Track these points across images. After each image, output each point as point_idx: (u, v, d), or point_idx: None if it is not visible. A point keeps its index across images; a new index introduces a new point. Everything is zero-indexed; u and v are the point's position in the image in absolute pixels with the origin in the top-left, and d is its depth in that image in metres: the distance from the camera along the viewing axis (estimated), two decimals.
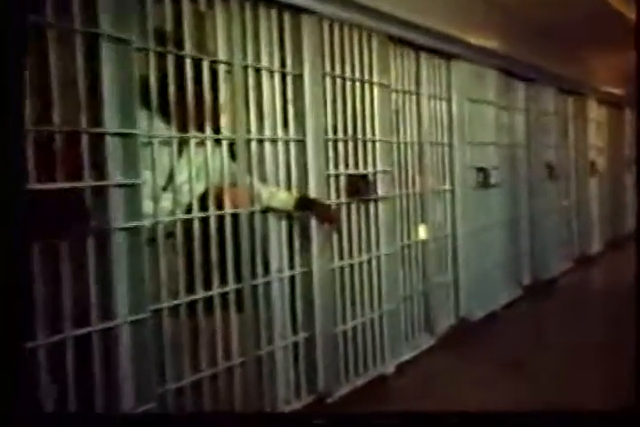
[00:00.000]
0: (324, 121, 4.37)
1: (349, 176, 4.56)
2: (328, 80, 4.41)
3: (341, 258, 4.53)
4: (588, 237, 10.46)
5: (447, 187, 6.15)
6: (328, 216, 4.05)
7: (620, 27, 11.46)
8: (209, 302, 3.60)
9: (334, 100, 4.48)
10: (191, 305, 3.48)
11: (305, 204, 3.95)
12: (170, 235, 3.42)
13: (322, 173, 4.27)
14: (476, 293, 6.52)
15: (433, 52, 5.88)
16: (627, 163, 12.75)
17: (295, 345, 4.19)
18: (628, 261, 11.37)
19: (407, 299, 5.48)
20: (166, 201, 3.49)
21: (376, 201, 4.89)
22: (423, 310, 5.72)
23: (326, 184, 4.34)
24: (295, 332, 4.20)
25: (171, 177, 3.55)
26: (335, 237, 4.46)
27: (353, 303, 4.65)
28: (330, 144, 4.42)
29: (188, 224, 3.51)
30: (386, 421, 2.32)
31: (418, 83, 5.70)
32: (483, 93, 6.76)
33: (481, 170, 6.64)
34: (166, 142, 3.44)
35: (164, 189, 3.53)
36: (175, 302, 3.36)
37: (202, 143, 3.60)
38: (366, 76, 4.82)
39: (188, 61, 3.43)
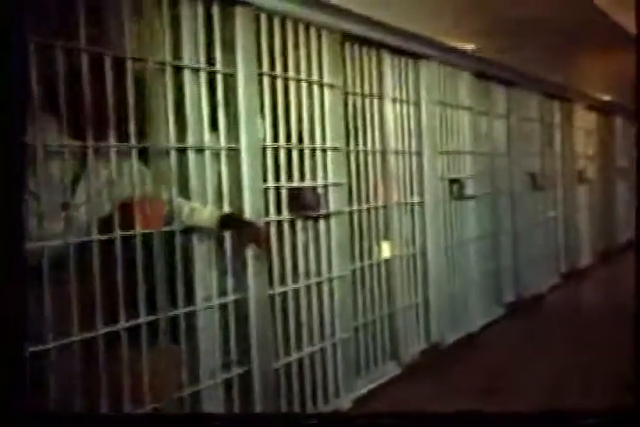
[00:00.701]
0: (263, 127, 3.85)
1: (292, 189, 4.03)
2: (266, 80, 3.88)
3: (283, 282, 3.99)
4: (577, 249, 9.93)
5: (416, 199, 5.63)
6: (254, 236, 3.50)
7: (609, 31, 11.00)
8: (113, 337, 3.07)
9: (275, 104, 3.95)
10: (88, 343, 2.94)
11: (228, 222, 3.41)
12: (60, 262, 2.88)
13: (258, 186, 3.74)
14: (450, 314, 5.99)
15: (399, 52, 5.37)
16: (618, 171, 12.24)
17: (228, 383, 3.65)
18: (620, 274, 10.90)
19: (368, 325, 4.94)
20: (59, 221, 2.95)
21: (327, 217, 4.36)
22: (388, 335, 5.19)
23: (264, 198, 3.81)
24: (228, 368, 3.65)
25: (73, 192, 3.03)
26: (276, 258, 3.92)
27: (298, 332, 4.11)
28: (269, 153, 3.89)
29: (86, 248, 2.98)
30: (385, 421, 2.21)
31: (381, 85, 5.19)
32: (457, 98, 6.25)
33: (455, 181, 6.12)
34: (59, 153, 2.91)
35: (64, 206, 3.00)
36: (64, 341, 2.82)
37: (107, 154, 3.07)
38: (315, 77, 4.30)
39: (85, 57, 2.90)
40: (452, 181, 6.08)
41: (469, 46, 6.16)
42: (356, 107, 4.90)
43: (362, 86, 4.95)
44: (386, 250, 5.18)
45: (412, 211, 5.60)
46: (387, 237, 5.20)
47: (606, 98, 11.38)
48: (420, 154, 5.64)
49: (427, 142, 5.66)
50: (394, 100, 5.35)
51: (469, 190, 6.33)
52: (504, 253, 7.38)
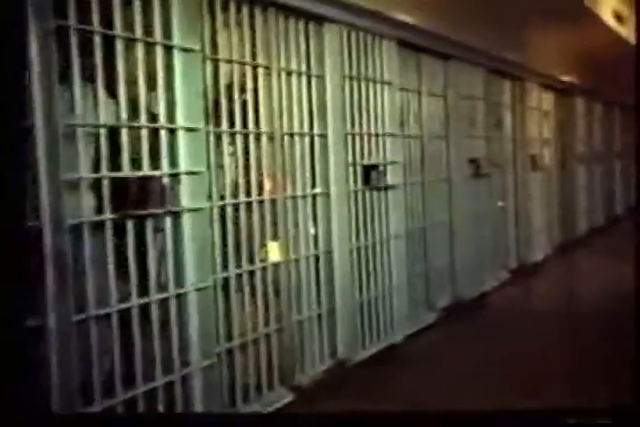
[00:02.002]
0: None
1: (120, 182, 3.10)
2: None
3: (102, 304, 3.06)
4: (530, 242, 9.09)
5: (318, 190, 4.72)
6: None
7: (569, 5, 10.13)
8: None
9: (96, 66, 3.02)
10: None
11: None
12: None
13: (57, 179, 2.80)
14: (365, 325, 5.12)
15: (295, 12, 4.45)
16: (578, 157, 11.42)
17: None
18: (577, 268, 10.10)
19: (248, 344, 4.04)
20: None
21: (176, 214, 3.44)
22: (278, 355, 4.30)
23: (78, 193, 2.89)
24: None
25: None
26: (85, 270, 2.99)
27: (129, 363, 3.20)
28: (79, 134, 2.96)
29: None
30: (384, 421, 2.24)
31: (268, 54, 4.26)
32: (375, 71, 5.33)
33: (371, 168, 5.23)
34: None
35: None
36: None
37: None
38: (158, 37, 3.36)
39: None
40: (368, 169, 5.18)
41: (388, 9, 5.25)
42: (233, 78, 3.98)
43: (240, 53, 4.02)
44: (274, 252, 4.27)
45: (314, 205, 4.70)
46: (276, 237, 4.30)
47: (566, 78, 10.53)
48: (324, 136, 4.73)
49: (332, 123, 4.74)
50: (288, 73, 4.43)
51: (390, 179, 5.44)
52: (438, 249, 6.50)
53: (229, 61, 3.94)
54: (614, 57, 11.67)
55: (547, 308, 6.86)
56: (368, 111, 5.22)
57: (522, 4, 7.68)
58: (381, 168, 5.32)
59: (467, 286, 6.93)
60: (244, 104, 4.06)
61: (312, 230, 4.72)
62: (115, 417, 2.92)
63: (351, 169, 4.99)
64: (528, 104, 9.05)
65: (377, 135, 5.33)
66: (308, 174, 4.61)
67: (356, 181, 5.04)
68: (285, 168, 4.39)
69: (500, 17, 7.39)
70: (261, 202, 4.19)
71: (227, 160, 3.89)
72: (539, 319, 6.37)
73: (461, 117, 7.00)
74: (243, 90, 4.08)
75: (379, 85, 5.35)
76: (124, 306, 3.12)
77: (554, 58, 9.61)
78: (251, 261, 4.08)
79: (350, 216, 4.95)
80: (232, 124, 3.95)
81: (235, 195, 3.97)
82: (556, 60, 9.74)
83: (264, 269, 4.19)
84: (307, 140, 4.60)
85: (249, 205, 4.08)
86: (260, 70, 4.21)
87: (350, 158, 4.98)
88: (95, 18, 3.00)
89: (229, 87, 3.96)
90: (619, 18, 9.06)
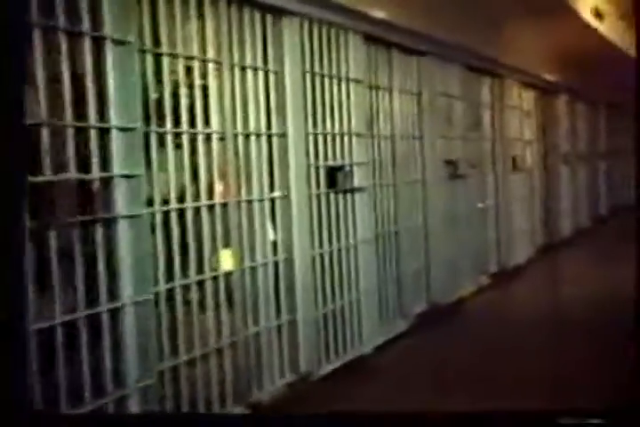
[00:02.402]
0: None
1: (42, 185, 2.81)
2: None
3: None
4: (512, 245, 8.84)
5: (277, 194, 4.44)
6: None
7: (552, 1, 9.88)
8: None
9: None
10: None
11: None
12: None
13: None
14: (328, 337, 4.83)
15: (246, 1, 4.16)
16: (562, 157, 11.18)
17: None
18: (560, 271, 9.84)
19: (196, 361, 3.74)
20: None
21: (109, 221, 3.14)
22: (231, 369, 4.00)
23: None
24: None
25: None
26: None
27: (54, 385, 2.90)
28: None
29: None
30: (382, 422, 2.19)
31: (219, 48, 3.97)
32: (337, 67, 5.04)
33: (337, 169, 4.94)
34: None
35: None
36: None
37: None
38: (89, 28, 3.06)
39: None
40: (334, 170, 4.90)
41: (365, 7, 4.97)
42: (178, 74, 3.68)
43: (187, 47, 3.73)
44: (226, 261, 3.98)
45: (273, 209, 4.41)
46: (229, 245, 4.01)
47: (548, 76, 10.28)
48: (283, 136, 4.44)
49: (292, 122, 4.46)
50: (242, 68, 4.14)
51: (358, 181, 5.16)
52: (412, 254, 6.23)
53: (173, 55, 3.65)
54: (596, 55, 11.46)
55: (525, 314, 6.59)
56: (332, 110, 4.94)
57: (500, 0, 7.42)
58: (348, 170, 5.04)
59: (443, 291, 6.66)
60: (191, 102, 3.77)
61: (271, 236, 4.43)
62: (103, 417, 2.90)
63: (314, 171, 4.70)
64: (508, 103, 8.79)
65: (342, 135, 5.04)
66: (265, 177, 4.32)
67: (319, 184, 4.75)
68: (240, 170, 4.11)
69: (478, 12, 7.12)
70: (212, 207, 3.90)
71: (171, 162, 3.60)
72: (516, 327, 6.09)
73: (437, 116, 6.73)
74: (191, 87, 3.79)
75: (344, 82, 5.07)
76: (44, 325, 2.82)
77: (534, 55, 9.35)
78: (200, 270, 3.79)
79: (313, 221, 4.67)
80: (177, 123, 3.65)
81: (181, 199, 3.67)
82: (536, 58, 9.49)
83: (215, 278, 3.89)
84: (264, 140, 4.31)
85: (197, 210, 3.78)
86: (211, 65, 3.91)
87: (313, 160, 4.69)
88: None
89: (175, 84, 3.67)
90: (598, 15, 8.80)
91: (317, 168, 4.75)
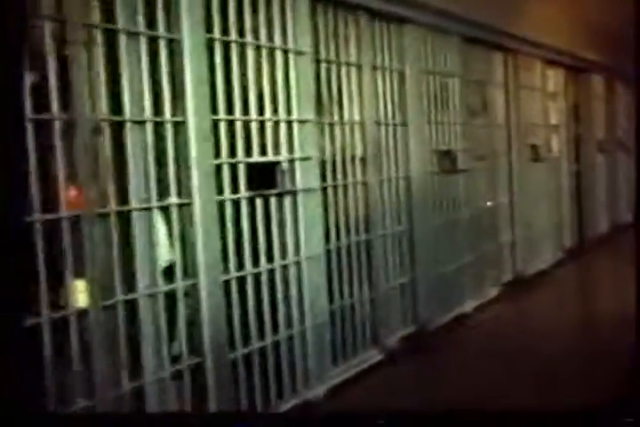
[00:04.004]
0: None
1: None
2: None
3: None
4: (532, 249, 7.62)
5: (175, 200, 3.35)
6: None
7: None
8: None
9: None
10: None
11: None
12: None
13: None
14: (251, 383, 3.73)
15: None
16: (598, 145, 9.86)
17: None
18: (591, 280, 8.55)
19: None
20: None
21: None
22: None
23: None
24: None
25: None
26: None
27: None
28: None
29: None
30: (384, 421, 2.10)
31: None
32: (270, 34, 3.92)
33: (270, 167, 3.83)
34: None
35: None
36: None
37: None
38: None
39: None
40: (264, 168, 3.79)
41: None
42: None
43: None
44: (80, 295, 2.91)
45: (169, 220, 3.33)
46: (84, 273, 2.94)
47: (583, 53, 8.98)
48: (180, 124, 3.34)
49: (193, 106, 3.35)
50: (131, 34, 3.06)
51: (302, 181, 4.04)
52: (392, 268, 5.10)
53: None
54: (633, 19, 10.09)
55: (538, 341, 5.38)
56: (260, 90, 3.82)
57: None
58: (285, 167, 3.92)
59: (436, 309, 5.52)
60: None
61: (165, 258, 3.36)
62: (103, 417, 2.77)
63: (230, 169, 3.60)
64: (527, 83, 7.55)
65: (277, 122, 3.93)
66: (152, 179, 3.23)
67: (236, 187, 3.65)
68: (107, 169, 3.03)
69: None
70: (57, 220, 2.83)
71: None
72: (526, 360, 4.90)
73: (428, 99, 5.57)
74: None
75: (280, 54, 3.94)
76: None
77: (560, 26, 8.08)
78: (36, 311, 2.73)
79: (227, 234, 3.57)
80: None
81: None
82: (564, 30, 8.21)
83: (61, 319, 2.83)
84: (149, 129, 3.21)
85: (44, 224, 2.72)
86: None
87: (226, 155, 3.59)
88: None
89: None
90: None
91: (236, 166, 3.64)
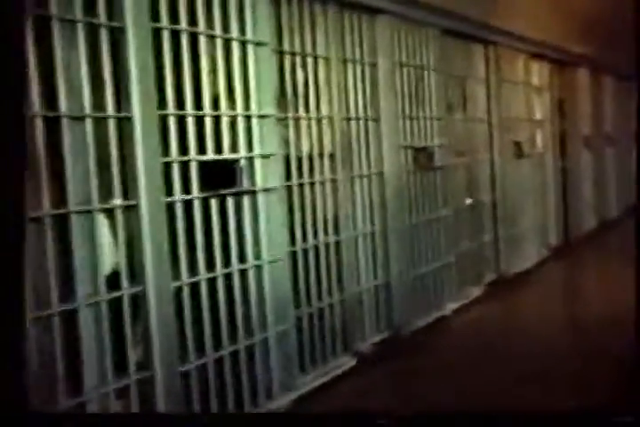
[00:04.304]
0: None
1: None
2: None
3: None
4: (515, 247, 7.40)
5: (119, 202, 3.10)
6: None
7: None
8: None
9: None
10: None
11: None
12: None
13: None
14: (207, 395, 3.50)
15: None
16: (584, 140, 9.65)
17: None
18: (576, 279, 8.31)
19: None
20: None
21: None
22: None
23: None
24: None
25: None
26: None
27: None
28: None
29: None
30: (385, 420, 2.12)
31: None
32: (224, 24, 3.68)
33: (225, 165, 3.59)
34: None
35: None
36: None
37: None
38: None
39: None
40: (218, 167, 3.55)
41: None
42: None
43: None
44: None
45: (113, 223, 3.08)
46: None
47: (569, 47, 8.76)
48: (125, 120, 3.10)
49: (138, 100, 3.10)
50: (64, 21, 2.81)
51: (262, 179, 3.80)
52: (365, 269, 4.87)
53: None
54: (631, 20, 9.88)
55: (520, 343, 5.14)
56: (215, 83, 3.58)
57: None
58: (244, 165, 3.68)
59: (412, 312, 5.29)
60: None
61: (109, 264, 3.12)
62: (102, 417, 2.81)
63: (180, 169, 3.36)
64: (510, 77, 7.32)
65: (235, 117, 3.68)
66: (94, 179, 2.99)
67: (188, 186, 3.41)
68: (40, 168, 2.79)
69: None
70: None
71: None
72: (506, 364, 4.68)
73: (403, 93, 5.34)
74: None
75: (237, 45, 3.69)
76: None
77: (545, 19, 7.86)
78: None
79: (178, 237, 3.33)
80: None
81: None
82: (548, 22, 7.99)
83: None
84: (89, 125, 2.97)
85: None
86: None
87: (176, 153, 3.35)
88: None
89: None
90: None
91: (187, 164, 3.40)
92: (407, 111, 5.37)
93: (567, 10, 8.47)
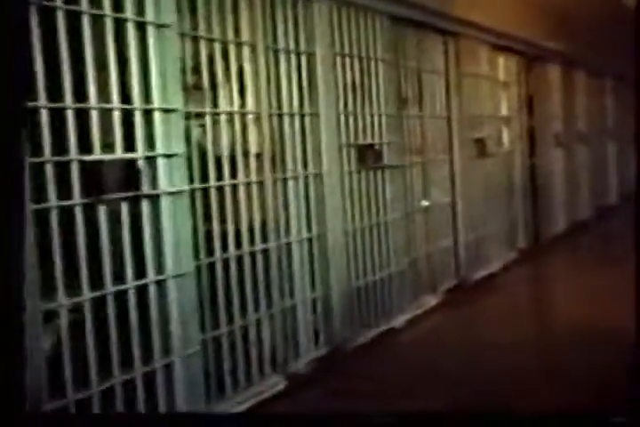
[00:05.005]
0: None
1: None
2: None
3: None
4: (479, 251, 6.96)
5: None
6: None
7: None
8: None
9: None
10: None
11: None
12: None
13: None
14: None
15: None
16: (554, 138, 9.23)
17: None
18: (544, 284, 7.86)
19: None
20: None
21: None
22: None
23: None
24: None
25: None
26: None
27: None
28: None
29: None
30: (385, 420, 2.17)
31: None
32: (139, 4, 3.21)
33: (123, 164, 3.12)
34: None
35: None
36: None
37: None
38: None
39: None
40: (106, 167, 3.07)
41: None
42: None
43: None
44: None
45: None
46: None
47: (539, 41, 8.33)
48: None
49: None
50: None
51: (167, 181, 3.33)
52: (301, 279, 4.41)
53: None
54: (605, 17, 9.48)
55: (476, 357, 4.69)
56: (105, 71, 3.10)
57: None
58: (142, 166, 3.21)
59: (356, 326, 4.84)
60: None
61: None
62: (100, 417, 2.84)
63: (57, 171, 2.89)
64: (472, 71, 6.88)
65: (131, 112, 3.20)
66: None
67: (69, 191, 2.92)
68: None
69: None
70: None
71: None
72: (458, 382, 4.23)
73: (347, 85, 4.88)
74: None
75: (132, 27, 3.21)
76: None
77: (512, 10, 7.43)
78: None
79: (53, 250, 2.85)
80: None
81: None
82: (516, 14, 7.56)
83: None
84: None
85: None
86: None
87: (52, 152, 2.87)
88: None
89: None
90: None
91: (68, 165, 2.92)
92: (351, 106, 4.91)
93: (536, 2, 8.05)
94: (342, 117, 4.79)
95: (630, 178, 13.19)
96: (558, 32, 8.90)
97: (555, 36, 8.80)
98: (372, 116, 5.12)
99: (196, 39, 3.65)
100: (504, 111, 7.84)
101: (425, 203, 6.05)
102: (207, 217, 3.71)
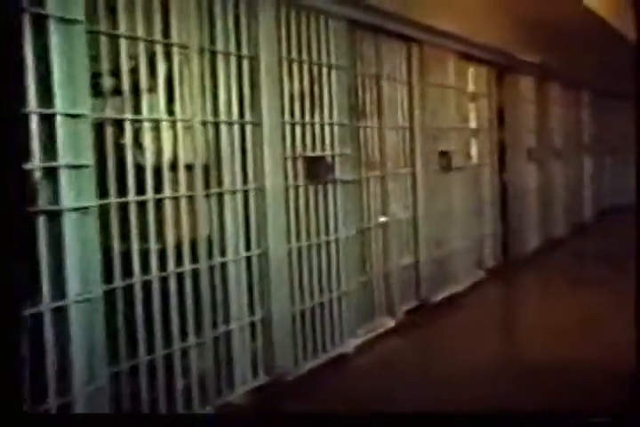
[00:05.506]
0: None
1: None
2: None
3: None
4: (444, 269, 6.63)
5: None
6: None
7: None
8: None
9: None
10: None
11: None
12: None
13: None
14: None
15: None
16: (527, 152, 8.93)
17: None
18: (509, 306, 7.41)
19: None
20: None
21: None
22: None
23: None
24: None
25: None
26: None
27: None
28: None
29: None
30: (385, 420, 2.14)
31: None
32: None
33: (20, 175, 2.75)
34: None
35: None
36: None
37: None
38: None
39: None
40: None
41: None
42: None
43: None
44: None
45: None
46: None
47: (512, 51, 8.04)
48: None
49: None
50: None
51: (74, 198, 2.96)
52: (241, 303, 4.05)
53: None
54: (581, 28, 9.21)
55: (429, 384, 4.35)
56: None
57: None
58: (39, 178, 2.84)
59: (298, 354, 4.48)
60: None
61: None
62: (98, 417, 2.84)
63: None
64: (438, 81, 6.56)
65: (25, 116, 2.84)
66: None
67: None
68: None
69: None
70: None
71: None
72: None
73: (294, 93, 4.54)
74: None
75: (29, 21, 2.85)
76: None
77: (483, 19, 7.12)
78: None
79: None
80: None
81: None
82: (487, 23, 7.26)
83: None
84: None
85: None
86: None
87: None
88: None
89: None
90: None
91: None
92: (299, 115, 4.56)
93: (509, 12, 7.76)
94: (288, 127, 4.45)
95: (605, 195, 12.97)
96: (532, 42, 8.62)
97: (528, 47, 8.52)
98: (322, 126, 4.78)
99: (115, 38, 3.29)
100: (472, 123, 7.53)
101: (382, 219, 5.70)
102: (125, 236, 3.34)
